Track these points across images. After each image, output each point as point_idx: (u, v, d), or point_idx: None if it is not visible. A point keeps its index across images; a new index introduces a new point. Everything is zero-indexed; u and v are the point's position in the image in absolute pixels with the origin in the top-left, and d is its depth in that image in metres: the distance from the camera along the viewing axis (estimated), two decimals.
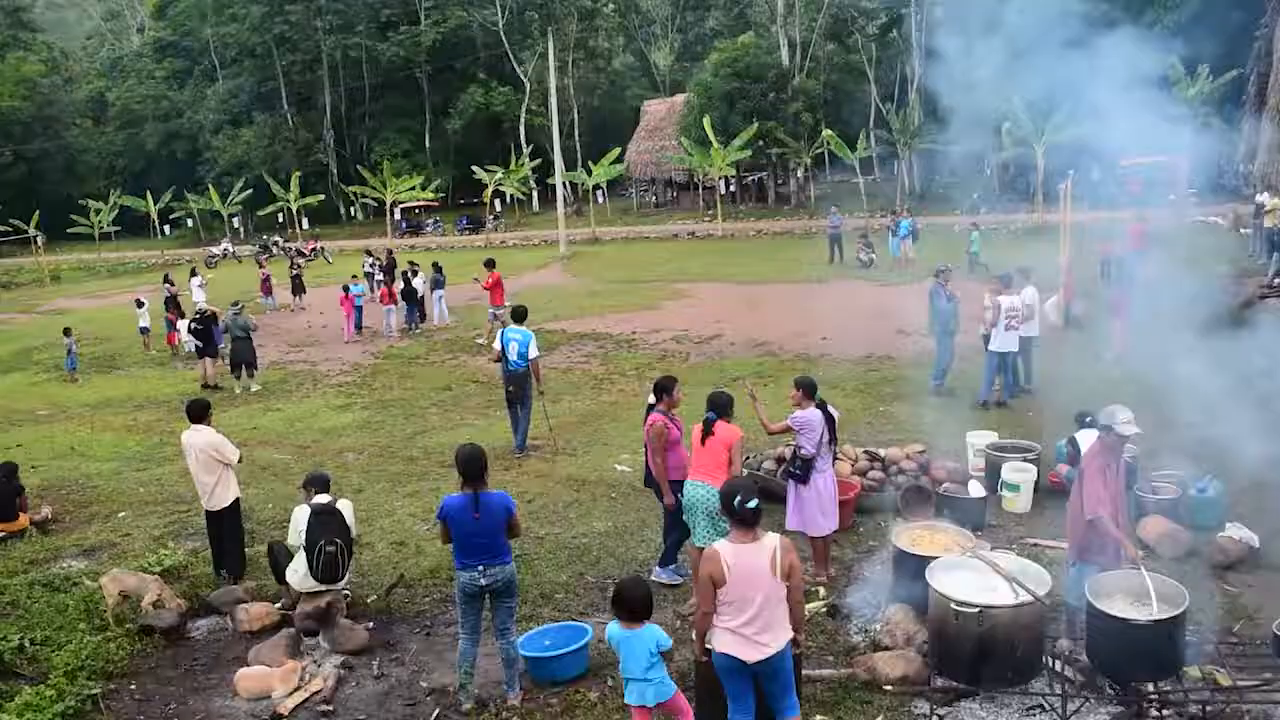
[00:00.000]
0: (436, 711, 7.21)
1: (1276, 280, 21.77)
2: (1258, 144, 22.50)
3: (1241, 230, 30.73)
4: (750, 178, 58.07)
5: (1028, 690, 6.70)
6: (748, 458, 10.99)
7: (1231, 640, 7.30)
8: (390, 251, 33.29)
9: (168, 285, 26.79)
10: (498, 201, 60.24)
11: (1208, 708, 6.37)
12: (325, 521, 8.31)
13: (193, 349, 22.17)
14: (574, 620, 8.31)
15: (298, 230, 60.58)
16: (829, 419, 8.79)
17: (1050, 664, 6.84)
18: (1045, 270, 15.91)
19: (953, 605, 6.58)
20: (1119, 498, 7.25)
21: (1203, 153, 38.89)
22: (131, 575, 9.18)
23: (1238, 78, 35.48)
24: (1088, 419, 10.01)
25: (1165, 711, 6.38)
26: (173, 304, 25.83)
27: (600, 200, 59.34)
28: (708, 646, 5.84)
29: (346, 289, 25.70)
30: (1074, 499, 7.30)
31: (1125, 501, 7.33)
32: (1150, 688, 6.51)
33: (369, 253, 33.30)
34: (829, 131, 45.76)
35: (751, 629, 5.60)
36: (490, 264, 23.13)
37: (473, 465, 6.93)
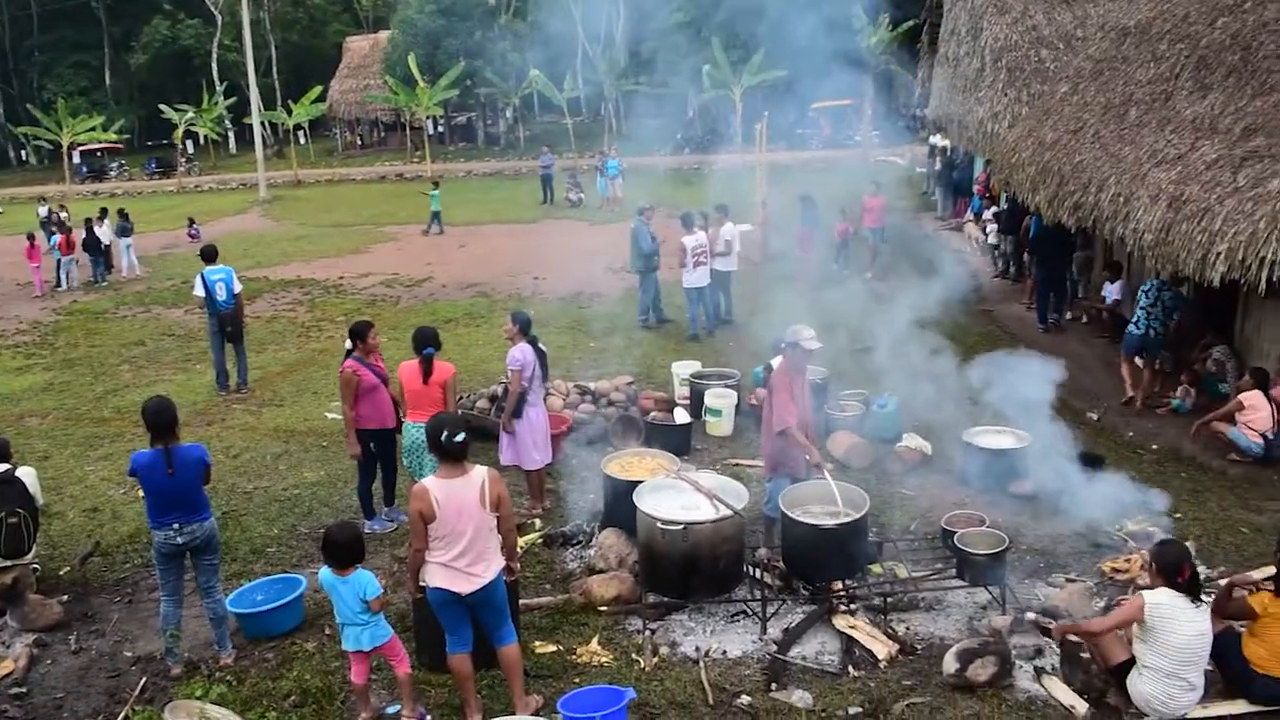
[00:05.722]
0: (143, 680, 6.81)
1: (947, 214, 24.05)
2: (931, 90, 24.51)
3: (918, 169, 33.52)
4: (459, 118, 57.22)
5: (731, 599, 7.12)
6: (462, 396, 10.95)
7: (908, 537, 8.06)
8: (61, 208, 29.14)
9: None
10: (190, 143, 56.44)
11: (889, 599, 7.01)
12: (3, 492, 7.63)
13: None
14: (288, 573, 8.05)
15: None
16: (540, 354, 8.91)
17: (750, 572, 7.30)
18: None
19: (659, 524, 6.87)
20: (807, 412, 7.78)
21: (884, 97, 41.82)
22: None
23: (914, 27, 38.12)
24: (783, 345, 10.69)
25: (853, 605, 6.98)
26: None
27: (302, 141, 56.81)
28: (421, 584, 5.81)
29: (32, 239, 22.79)
30: (766, 416, 7.77)
31: (813, 417, 7.87)
32: (839, 585, 7.08)
33: (44, 199, 30.20)
34: (536, 72, 45.62)
35: (463, 561, 5.63)
36: None
37: (161, 418, 6.55)
